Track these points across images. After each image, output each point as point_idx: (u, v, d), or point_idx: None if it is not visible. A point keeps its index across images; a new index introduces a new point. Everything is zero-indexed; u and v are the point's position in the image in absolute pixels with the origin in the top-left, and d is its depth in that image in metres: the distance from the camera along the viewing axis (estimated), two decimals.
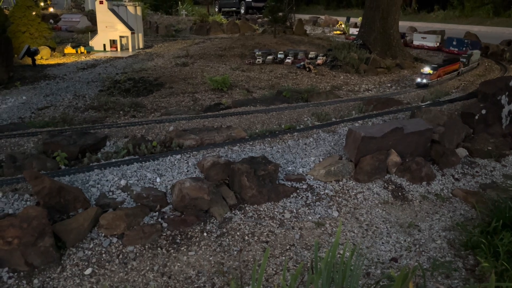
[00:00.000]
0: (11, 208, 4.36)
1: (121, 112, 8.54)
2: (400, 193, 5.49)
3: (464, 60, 12.04)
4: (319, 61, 13.01)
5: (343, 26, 25.55)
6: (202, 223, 4.54)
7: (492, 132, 7.13)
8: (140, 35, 17.06)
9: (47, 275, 3.76)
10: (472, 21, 30.64)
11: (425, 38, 17.56)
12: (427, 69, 10.30)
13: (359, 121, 7.63)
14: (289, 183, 5.43)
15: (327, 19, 30.08)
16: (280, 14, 17.66)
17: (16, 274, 3.73)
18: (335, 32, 24.23)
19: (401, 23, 16.29)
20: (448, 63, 11.73)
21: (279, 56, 13.62)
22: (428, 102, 8.93)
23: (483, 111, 7.25)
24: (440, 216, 5.06)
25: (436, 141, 6.33)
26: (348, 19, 26.98)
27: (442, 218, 5.00)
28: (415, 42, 17.84)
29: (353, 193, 5.39)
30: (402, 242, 4.50)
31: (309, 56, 13.67)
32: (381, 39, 14.61)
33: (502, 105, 7.44)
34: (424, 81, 10.21)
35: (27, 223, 3.76)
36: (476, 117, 7.22)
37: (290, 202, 5.08)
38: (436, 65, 10.68)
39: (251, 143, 6.51)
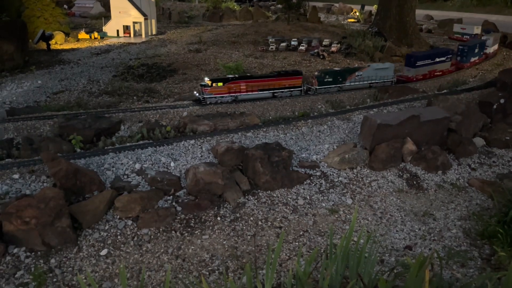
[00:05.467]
0: (28, 189, 4.43)
1: (134, 97, 8.57)
2: (415, 182, 5.43)
3: (322, 75, 8.13)
4: (333, 49, 12.83)
5: (357, 13, 25.21)
6: (216, 207, 4.55)
7: (510, 122, 6.99)
8: (153, 21, 17.00)
9: (64, 255, 3.82)
10: (489, 10, 29.98)
11: None
12: (206, 80, 7.27)
13: (374, 109, 7.54)
14: (302, 169, 5.40)
15: (341, 7, 29.75)
16: (294, 1, 17.43)
17: (33, 253, 3.80)
18: (349, 20, 23.91)
19: (417, 11, 15.95)
20: (274, 76, 7.94)
21: (292, 43, 13.44)
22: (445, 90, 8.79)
23: (502, 100, 7.10)
24: (455, 205, 5.00)
25: (453, 130, 6.23)
26: (362, 7, 26.61)
27: (457, 208, 4.94)
28: None
29: (367, 181, 5.34)
30: (416, 230, 4.46)
31: (323, 43, 13.48)
32: (397, 26, 14.34)
33: None
34: (197, 95, 7.31)
35: (44, 204, 3.81)
36: (494, 106, 7.09)
37: (304, 189, 5.06)
38: (232, 76, 7.59)
39: (264, 129, 6.48)
